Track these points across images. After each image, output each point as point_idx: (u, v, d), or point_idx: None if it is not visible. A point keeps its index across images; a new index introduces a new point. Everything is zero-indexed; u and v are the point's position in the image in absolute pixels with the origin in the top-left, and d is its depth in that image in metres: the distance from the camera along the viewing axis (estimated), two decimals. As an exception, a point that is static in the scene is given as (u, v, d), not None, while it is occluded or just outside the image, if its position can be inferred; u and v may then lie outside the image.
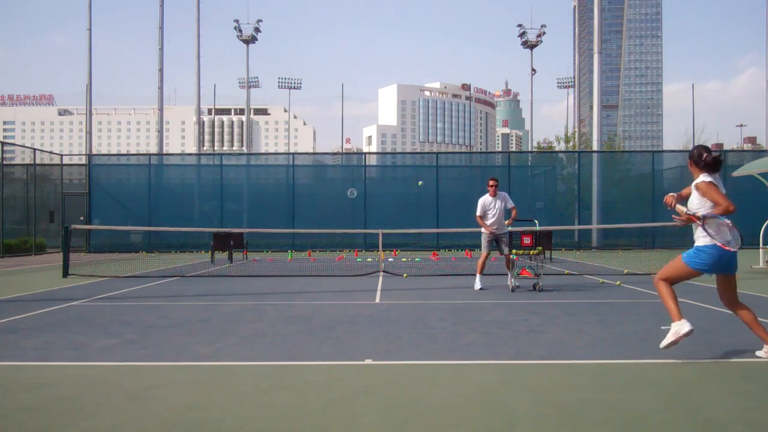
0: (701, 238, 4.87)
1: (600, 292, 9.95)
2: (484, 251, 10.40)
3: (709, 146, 5.43)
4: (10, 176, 24.13)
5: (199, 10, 36.17)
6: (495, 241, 10.37)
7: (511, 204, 10.23)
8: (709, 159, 4.91)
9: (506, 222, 10.36)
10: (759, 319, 5.08)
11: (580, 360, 5.06)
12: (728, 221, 4.81)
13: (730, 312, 5.19)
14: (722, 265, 4.89)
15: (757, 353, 5.04)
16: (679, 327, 4.80)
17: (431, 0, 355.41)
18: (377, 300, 9.13)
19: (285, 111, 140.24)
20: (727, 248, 4.78)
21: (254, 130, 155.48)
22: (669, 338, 4.83)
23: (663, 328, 4.82)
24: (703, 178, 4.90)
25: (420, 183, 24.13)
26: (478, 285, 10.20)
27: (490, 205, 10.24)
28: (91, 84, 28.70)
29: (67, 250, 13.44)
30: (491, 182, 10.27)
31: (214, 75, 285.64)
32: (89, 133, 28.85)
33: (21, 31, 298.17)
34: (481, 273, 10.37)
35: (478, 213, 10.32)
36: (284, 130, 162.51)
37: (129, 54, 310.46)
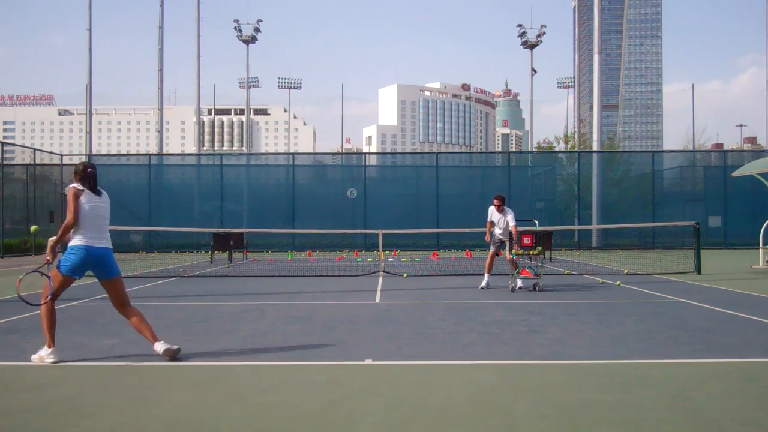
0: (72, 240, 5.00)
1: (600, 292, 9.95)
2: (491, 249, 10.70)
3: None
4: (10, 176, 24.12)
5: (199, 10, 36.18)
6: (501, 243, 10.67)
7: (512, 223, 10.31)
8: (84, 171, 5.11)
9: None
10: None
11: (580, 360, 5.06)
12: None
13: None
14: (92, 264, 5.00)
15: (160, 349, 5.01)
16: (45, 356, 4.94)
17: (431, 0, 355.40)
18: (377, 300, 9.13)
19: (285, 111, 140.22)
20: (91, 244, 4.94)
21: (254, 130, 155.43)
22: (35, 360, 4.95)
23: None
24: (73, 185, 5.10)
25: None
26: (483, 283, 10.35)
27: (495, 218, 10.58)
28: (91, 84, 28.70)
29: (67, 250, 13.42)
30: (495, 202, 10.49)
31: (214, 75, 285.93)
32: (89, 133, 28.85)
33: (21, 31, 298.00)
34: (489, 272, 10.55)
35: (488, 219, 10.74)
36: (284, 130, 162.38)
37: (129, 54, 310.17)
